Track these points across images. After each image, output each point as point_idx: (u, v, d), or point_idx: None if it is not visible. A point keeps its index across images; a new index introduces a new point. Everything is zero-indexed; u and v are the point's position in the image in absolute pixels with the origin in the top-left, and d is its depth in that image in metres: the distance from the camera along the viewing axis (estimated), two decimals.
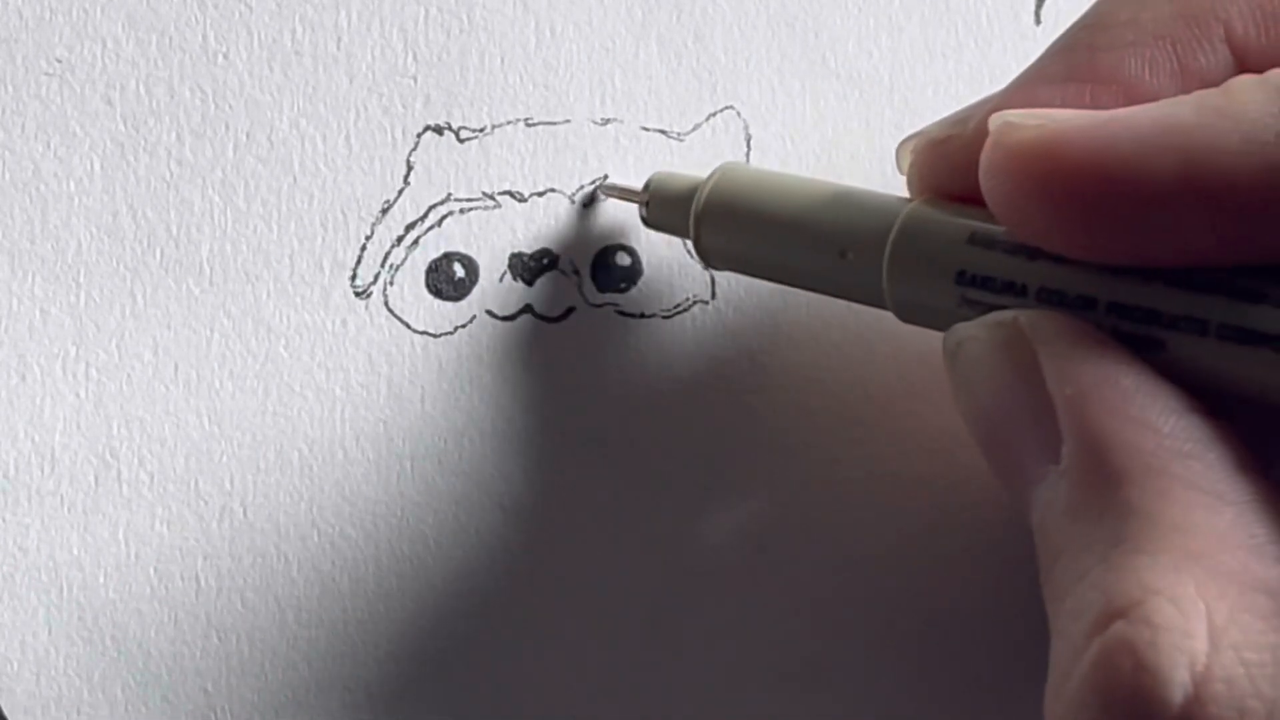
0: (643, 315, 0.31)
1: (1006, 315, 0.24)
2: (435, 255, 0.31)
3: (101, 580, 0.30)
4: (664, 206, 0.30)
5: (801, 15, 0.32)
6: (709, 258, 0.29)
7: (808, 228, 0.27)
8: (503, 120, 0.31)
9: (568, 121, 0.31)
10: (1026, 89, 0.26)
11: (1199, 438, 0.22)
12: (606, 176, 0.31)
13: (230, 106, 0.31)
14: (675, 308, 0.31)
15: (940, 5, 0.32)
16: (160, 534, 0.31)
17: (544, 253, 0.31)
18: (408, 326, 0.31)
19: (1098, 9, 0.26)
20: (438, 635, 0.31)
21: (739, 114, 0.32)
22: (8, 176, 0.31)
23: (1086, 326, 0.23)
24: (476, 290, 0.31)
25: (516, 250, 0.31)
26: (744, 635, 0.31)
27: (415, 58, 0.31)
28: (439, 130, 0.31)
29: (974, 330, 0.24)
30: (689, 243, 0.30)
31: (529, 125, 0.31)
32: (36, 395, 0.31)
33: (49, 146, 0.31)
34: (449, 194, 0.31)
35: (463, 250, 0.31)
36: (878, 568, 0.31)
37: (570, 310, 0.31)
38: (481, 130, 0.31)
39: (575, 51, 0.32)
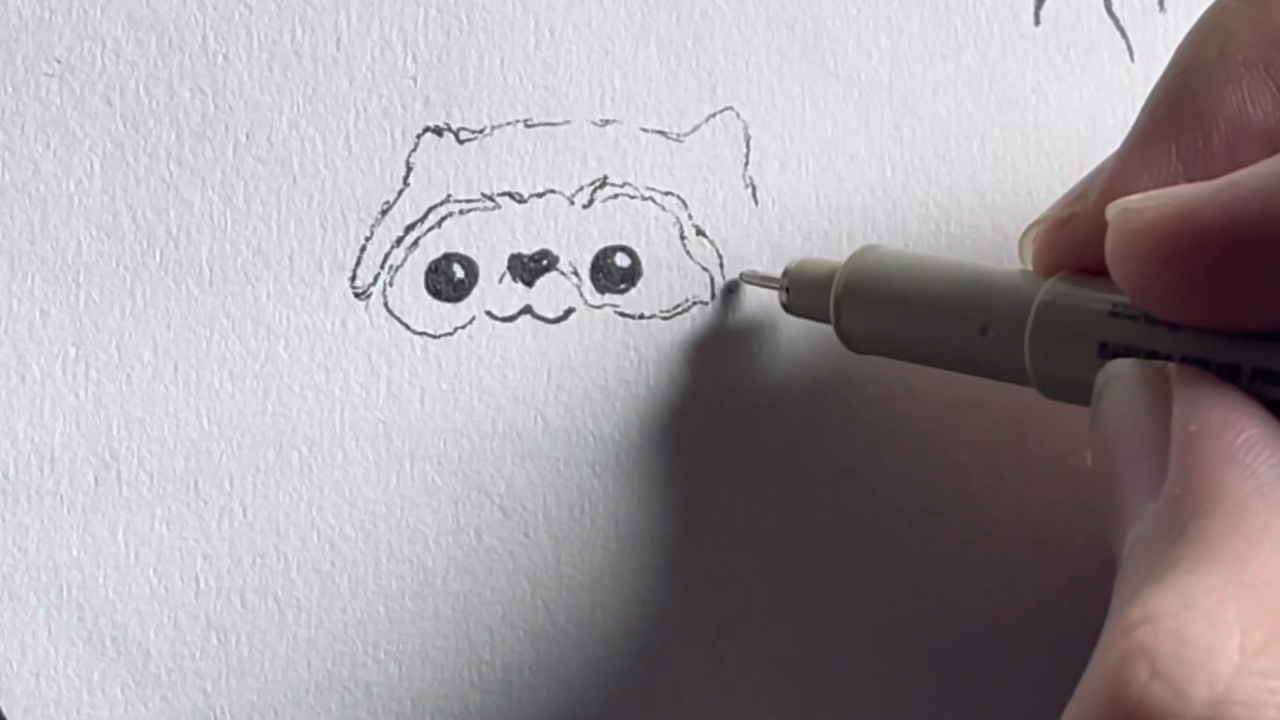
0: (642, 316, 0.31)
1: (1158, 361, 0.24)
2: (435, 256, 0.31)
3: (101, 580, 0.30)
4: (803, 293, 0.30)
5: (801, 16, 0.32)
6: (850, 341, 0.29)
7: (947, 306, 0.27)
8: (502, 121, 0.31)
9: (567, 123, 0.31)
10: (1139, 149, 0.26)
11: None
12: (605, 177, 0.31)
13: (230, 107, 0.31)
14: (675, 309, 0.31)
15: (940, 6, 0.32)
16: (160, 534, 0.31)
17: (543, 254, 0.31)
18: (407, 327, 0.31)
19: (1184, 53, 0.26)
20: (437, 635, 0.31)
21: (738, 115, 0.32)
22: (8, 177, 0.31)
23: (1229, 385, 0.23)
24: (476, 291, 0.31)
25: (516, 251, 0.31)
26: (744, 635, 0.31)
27: (415, 59, 0.31)
28: (438, 131, 0.31)
29: (1124, 368, 0.24)
30: (830, 329, 0.30)
31: (528, 126, 0.31)
32: (36, 396, 0.31)
33: (49, 147, 0.31)
34: (448, 195, 0.31)
35: (462, 251, 0.31)
36: (877, 567, 0.31)
37: (570, 311, 0.31)
38: (481, 131, 0.31)
39: (575, 53, 0.32)
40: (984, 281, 0.27)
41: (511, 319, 0.31)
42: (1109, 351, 0.25)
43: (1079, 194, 0.27)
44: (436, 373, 0.31)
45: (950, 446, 0.31)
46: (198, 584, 0.31)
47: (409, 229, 0.31)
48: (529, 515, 0.31)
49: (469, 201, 0.31)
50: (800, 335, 0.31)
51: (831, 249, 0.31)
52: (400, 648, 0.31)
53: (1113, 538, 0.24)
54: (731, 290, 0.31)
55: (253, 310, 0.31)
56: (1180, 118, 0.25)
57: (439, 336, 0.31)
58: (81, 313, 0.31)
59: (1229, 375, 0.23)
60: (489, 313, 0.31)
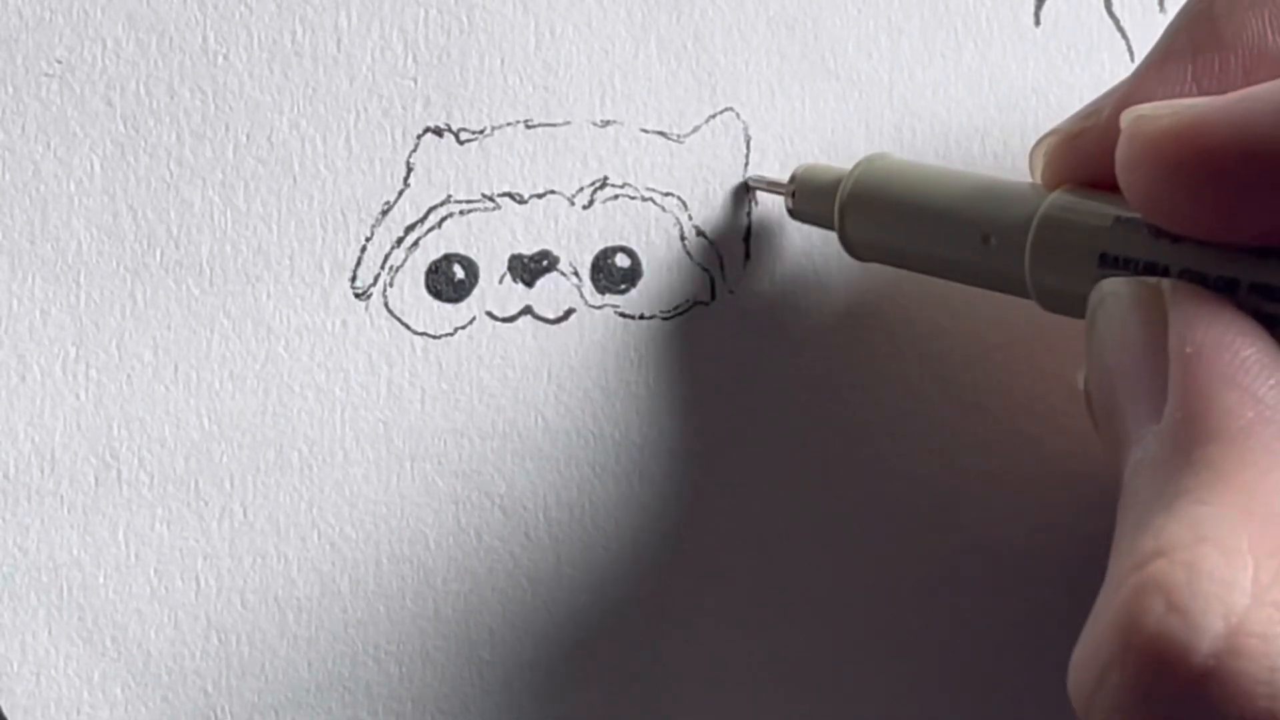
0: (642, 317, 0.31)
1: (1151, 278, 0.24)
2: (435, 257, 0.31)
3: (101, 580, 0.30)
4: (809, 198, 0.30)
5: (801, 16, 0.32)
6: (853, 248, 0.29)
7: (951, 214, 0.27)
8: (502, 122, 0.31)
9: (567, 123, 0.31)
10: (1156, 68, 0.26)
11: None
12: (605, 178, 0.31)
13: (230, 107, 0.31)
14: (675, 309, 0.31)
15: (940, 6, 0.32)
16: (160, 534, 0.31)
17: (544, 254, 0.31)
18: (407, 328, 0.31)
19: None
20: (437, 635, 0.31)
21: (738, 116, 0.32)
22: (8, 177, 0.31)
23: (1224, 299, 0.23)
24: (476, 292, 0.31)
25: (516, 252, 0.31)
26: (744, 635, 0.31)
27: (415, 59, 0.31)
28: (439, 132, 0.31)
29: (1117, 286, 0.24)
30: (832, 234, 0.30)
31: (529, 127, 0.31)
32: (36, 396, 0.31)
33: (49, 147, 0.31)
34: (449, 195, 0.31)
35: (462, 252, 0.31)
36: (878, 568, 0.31)
37: (570, 312, 0.31)
38: (481, 132, 0.31)
39: (575, 53, 0.32)
40: (990, 191, 0.27)
41: (512, 319, 0.31)
42: (1109, 262, 0.25)
43: (1093, 109, 0.27)
44: (437, 373, 0.31)
45: (951, 446, 0.31)
46: (198, 584, 0.31)
47: (409, 229, 0.31)
48: (529, 515, 0.31)
49: (469, 202, 0.31)
50: (800, 336, 0.31)
51: (833, 248, 0.31)
52: (400, 648, 0.31)
53: (1112, 460, 0.24)
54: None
55: (253, 310, 0.31)
56: (1199, 40, 0.25)
57: (439, 337, 0.31)
58: (82, 313, 0.31)
59: (1227, 290, 0.23)
60: (489, 313, 0.31)
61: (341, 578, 0.31)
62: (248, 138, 0.31)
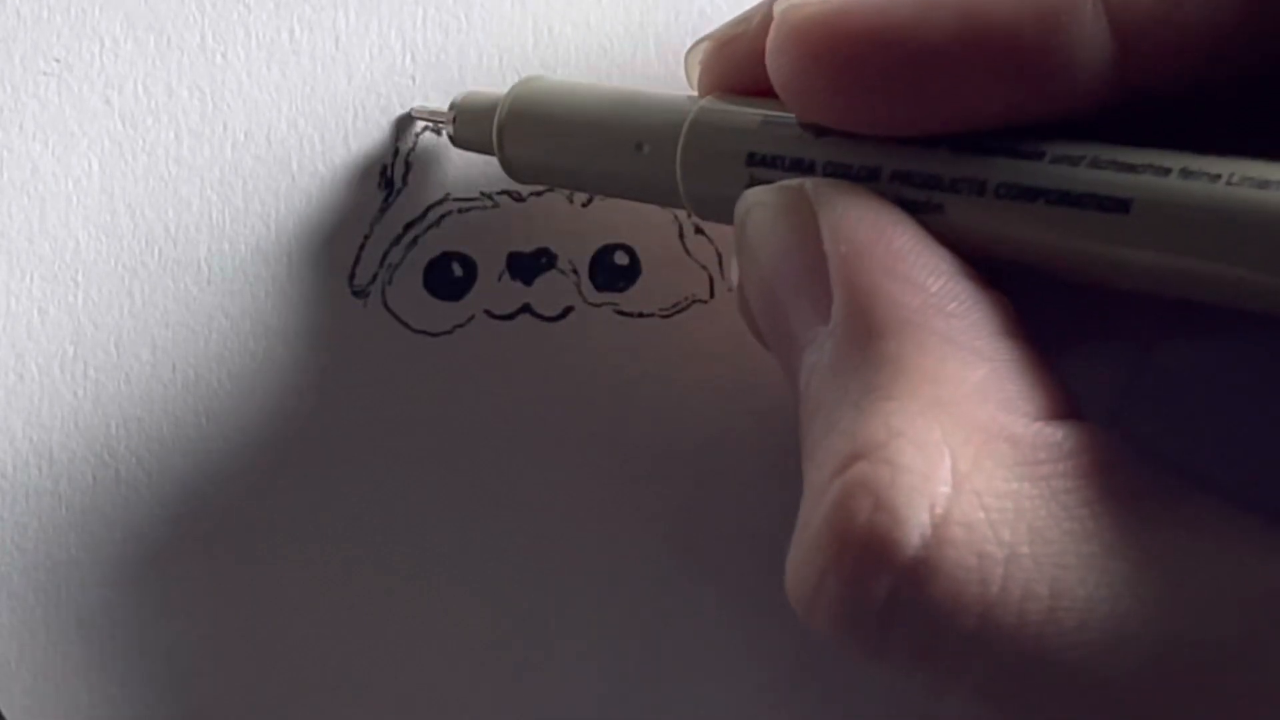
0: (641, 314, 0.31)
1: (793, 181, 0.24)
2: (433, 255, 0.31)
3: (99, 580, 0.30)
4: (469, 124, 0.30)
5: None
6: (514, 170, 0.29)
7: (604, 125, 0.28)
8: None
9: None
10: None
11: (965, 298, 0.22)
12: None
13: (228, 106, 0.31)
14: (674, 307, 0.31)
15: None
16: (158, 534, 0.31)
17: (542, 252, 0.31)
18: (406, 326, 0.31)
19: None
20: (438, 635, 0.31)
21: None
22: (6, 176, 0.31)
23: (868, 191, 0.23)
24: (475, 289, 0.31)
25: (515, 249, 0.31)
26: (744, 634, 0.31)
27: (413, 58, 0.31)
28: (437, 130, 0.31)
29: (761, 195, 0.24)
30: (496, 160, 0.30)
31: None
32: (34, 395, 0.31)
33: (47, 146, 0.31)
34: (447, 194, 0.31)
35: (461, 250, 0.31)
36: None
37: (569, 309, 0.31)
38: None
39: (573, 52, 0.32)
40: (644, 101, 0.27)
41: (510, 317, 0.31)
42: (758, 161, 0.25)
43: (746, 16, 0.27)
44: (436, 372, 0.31)
45: None
46: (197, 584, 0.31)
47: (408, 227, 0.31)
48: (529, 515, 0.31)
49: (468, 200, 0.31)
50: None
51: None
52: (400, 647, 0.31)
53: (781, 362, 0.24)
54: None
55: (251, 309, 0.31)
56: None
57: (438, 335, 0.31)
58: (80, 312, 0.31)
59: (870, 179, 0.23)
60: (488, 311, 0.31)
61: (340, 577, 0.31)
62: (246, 136, 0.31)
